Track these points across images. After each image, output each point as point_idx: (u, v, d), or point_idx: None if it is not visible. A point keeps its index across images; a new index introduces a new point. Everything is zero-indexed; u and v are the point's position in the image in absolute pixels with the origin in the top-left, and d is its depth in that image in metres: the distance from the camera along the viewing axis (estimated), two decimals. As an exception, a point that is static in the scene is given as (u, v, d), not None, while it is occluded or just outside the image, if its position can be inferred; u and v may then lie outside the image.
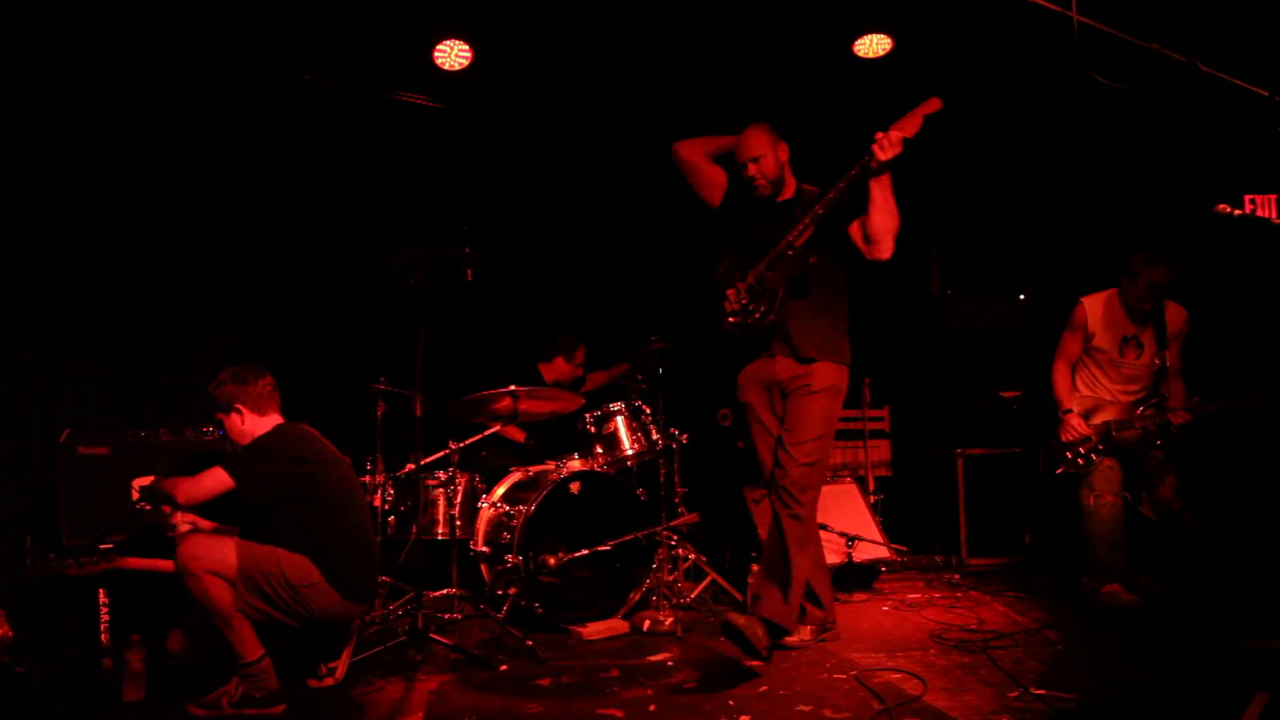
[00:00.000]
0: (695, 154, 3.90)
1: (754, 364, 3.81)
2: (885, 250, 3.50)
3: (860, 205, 3.48)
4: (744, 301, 3.67)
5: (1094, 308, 4.53)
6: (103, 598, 3.76)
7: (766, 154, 3.68)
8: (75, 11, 4.31)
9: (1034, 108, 5.69)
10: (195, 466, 3.97)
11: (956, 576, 5.15)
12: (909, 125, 3.34)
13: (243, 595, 3.11)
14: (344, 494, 3.40)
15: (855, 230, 3.58)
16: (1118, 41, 2.16)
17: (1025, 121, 5.82)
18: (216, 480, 3.19)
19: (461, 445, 4.64)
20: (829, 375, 3.65)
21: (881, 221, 3.45)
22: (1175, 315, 4.46)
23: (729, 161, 3.80)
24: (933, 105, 3.37)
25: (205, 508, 3.34)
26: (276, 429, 3.39)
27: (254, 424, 3.42)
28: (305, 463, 3.31)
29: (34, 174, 4.25)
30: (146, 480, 3.91)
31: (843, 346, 3.74)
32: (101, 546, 3.55)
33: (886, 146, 3.30)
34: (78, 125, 4.40)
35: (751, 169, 3.70)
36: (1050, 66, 4.91)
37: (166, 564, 3.23)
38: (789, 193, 3.78)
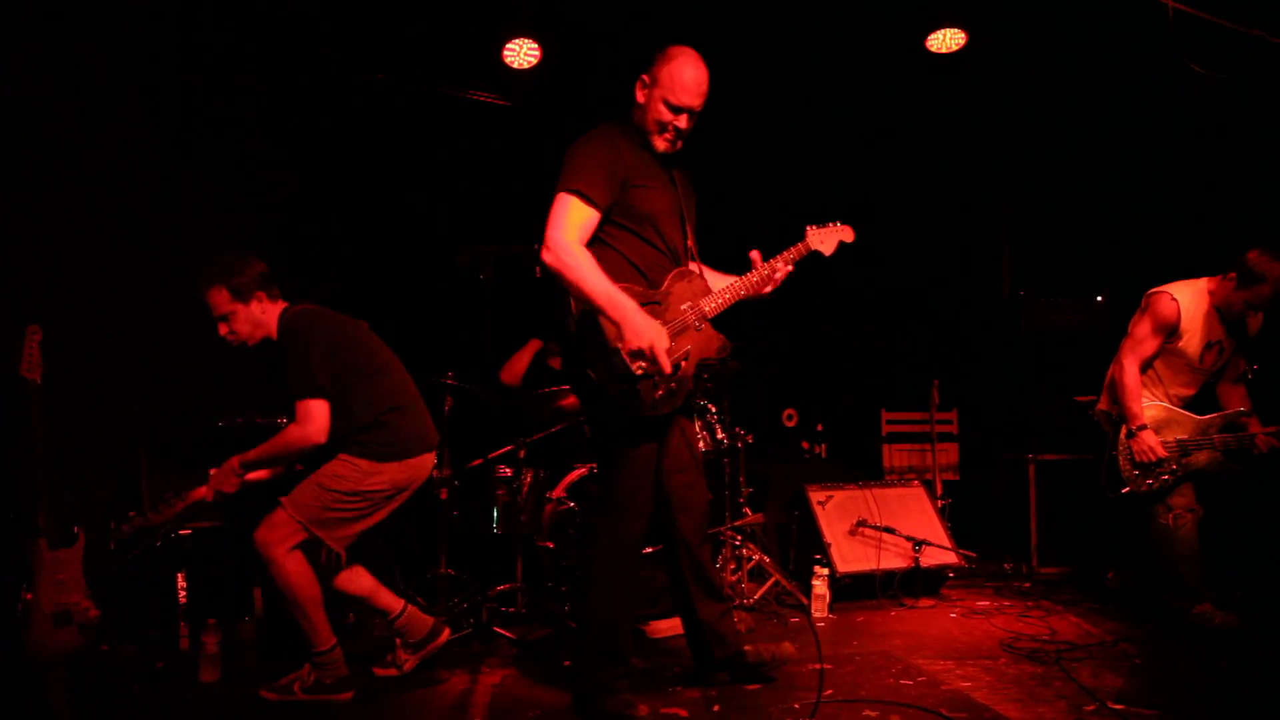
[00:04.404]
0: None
1: None
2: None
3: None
4: None
5: (1188, 304, 3.94)
6: (181, 582, 3.88)
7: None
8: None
9: (1113, 100, 5.51)
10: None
11: (1027, 585, 5.02)
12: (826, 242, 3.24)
13: (332, 535, 3.13)
14: (376, 356, 3.36)
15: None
16: (1214, 28, 2.06)
17: (1103, 115, 5.64)
18: (320, 409, 3.13)
19: (529, 440, 4.68)
20: None
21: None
22: (1258, 320, 4.01)
23: None
24: (848, 235, 3.27)
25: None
26: (289, 317, 3.30)
27: (270, 311, 3.34)
28: (337, 347, 3.23)
29: (115, 185, 4.39)
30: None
31: None
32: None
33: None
34: (176, 139, 4.58)
35: (686, 122, 3.10)
36: (1133, 56, 4.74)
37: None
38: None
